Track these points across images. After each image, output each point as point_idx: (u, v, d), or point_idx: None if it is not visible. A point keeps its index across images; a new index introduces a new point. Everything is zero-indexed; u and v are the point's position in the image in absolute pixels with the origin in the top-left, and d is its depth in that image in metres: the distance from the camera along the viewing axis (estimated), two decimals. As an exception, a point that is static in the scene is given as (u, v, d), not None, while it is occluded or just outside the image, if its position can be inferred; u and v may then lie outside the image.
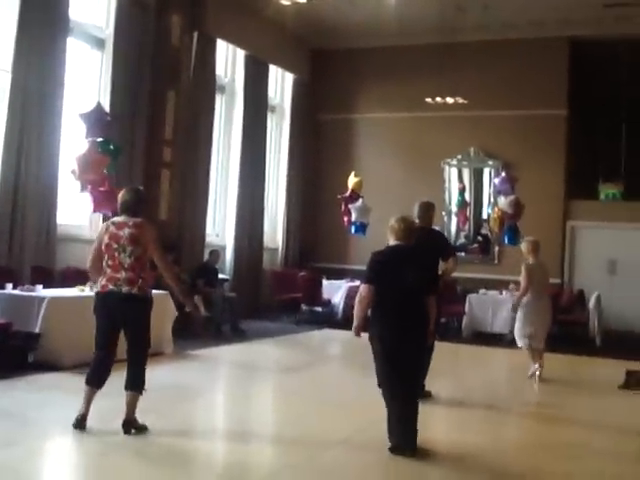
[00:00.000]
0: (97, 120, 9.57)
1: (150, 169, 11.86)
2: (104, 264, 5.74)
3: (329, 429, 6.31)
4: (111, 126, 9.94)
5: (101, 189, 9.33)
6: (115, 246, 5.69)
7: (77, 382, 6.28)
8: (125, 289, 5.63)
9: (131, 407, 5.70)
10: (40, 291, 8.44)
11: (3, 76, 9.69)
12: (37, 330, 8.01)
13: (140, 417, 5.74)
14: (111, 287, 5.66)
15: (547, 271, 9.27)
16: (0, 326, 7.97)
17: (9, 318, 8.05)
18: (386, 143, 16.00)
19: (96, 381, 5.73)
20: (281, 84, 16.37)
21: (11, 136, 9.54)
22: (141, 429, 5.73)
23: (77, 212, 10.86)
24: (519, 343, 9.13)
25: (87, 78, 11.34)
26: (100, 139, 9.46)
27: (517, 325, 9.15)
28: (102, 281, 5.74)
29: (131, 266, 5.65)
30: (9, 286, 8.45)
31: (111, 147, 9.59)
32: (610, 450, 6.11)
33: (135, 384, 5.72)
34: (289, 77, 16.30)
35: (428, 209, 7.70)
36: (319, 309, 14.02)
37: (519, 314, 9.06)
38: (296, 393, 7.96)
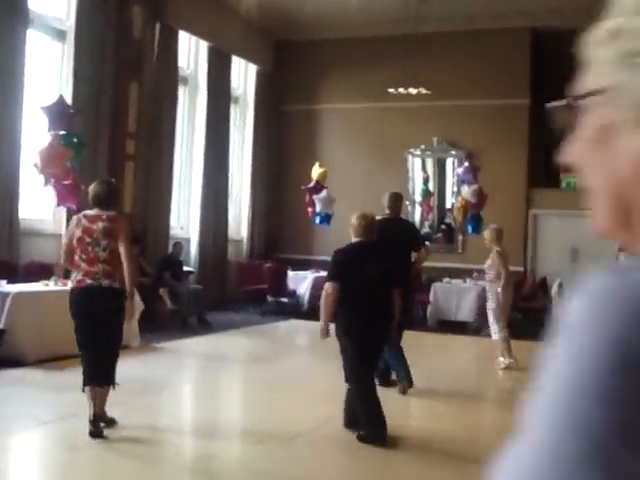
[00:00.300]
0: (59, 113, 9.49)
1: (114, 162, 11.78)
2: (77, 258, 5.65)
3: (297, 419, 6.36)
4: (74, 119, 9.87)
5: (65, 183, 9.26)
6: (88, 240, 5.61)
7: (42, 377, 6.28)
8: (105, 282, 5.55)
9: (102, 401, 5.65)
10: (4, 286, 8.37)
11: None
12: (1, 326, 7.95)
13: (107, 410, 5.74)
14: (89, 281, 5.56)
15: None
16: (-37, 322, 7.89)
17: (-28, 314, 7.98)
18: (350, 134, 16.05)
19: (94, 379, 5.59)
20: (244, 75, 16.33)
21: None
22: (110, 422, 5.72)
23: (40, 206, 10.75)
24: (499, 335, 9.03)
25: (49, 70, 11.22)
26: (63, 132, 9.38)
27: (495, 316, 9.00)
28: (78, 276, 5.63)
29: (107, 260, 5.58)
30: (-28, 282, 8.38)
31: (74, 140, 9.52)
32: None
33: (109, 378, 5.66)
34: (252, 68, 16.27)
35: (397, 199, 7.79)
36: (285, 300, 14.04)
37: (497, 304, 8.93)
38: (263, 384, 8.00)
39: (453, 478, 5.22)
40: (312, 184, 13.70)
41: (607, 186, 0.76)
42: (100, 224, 5.63)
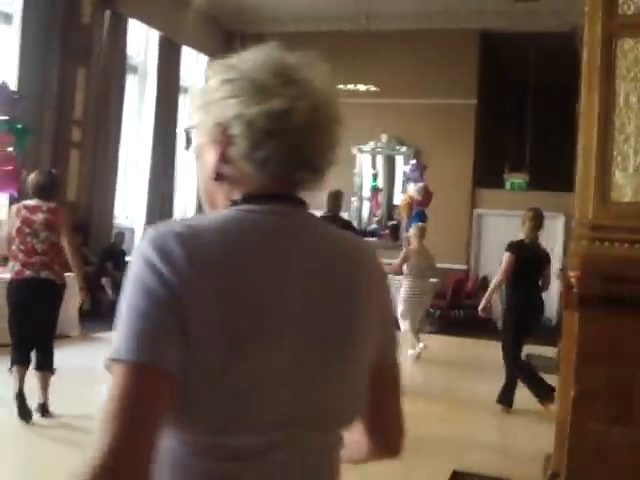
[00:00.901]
0: (3, 98, 9.33)
1: (59, 149, 11.62)
2: (15, 248, 5.57)
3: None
4: (18, 104, 9.70)
5: (6, 169, 9.11)
6: (27, 230, 5.54)
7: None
8: (44, 274, 5.51)
9: (45, 389, 5.67)
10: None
11: None
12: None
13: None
14: (28, 272, 5.51)
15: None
16: None
17: None
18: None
19: (24, 361, 5.66)
20: (195, 66, 16.22)
21: None
22: (46, 411, 5.73)
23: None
24: (407, 325, 9.41)
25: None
26: (6, 118, 9.23)
27: (405, 307, 9.48)
28: (16, 267, 5.57)
29: (45, 251, 5.53)
30: None
31: (18, 126, 9.37)
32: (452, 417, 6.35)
33: (48, 364, 5.68)
34: (203, 59, 16.17)
35: (337, 197, 7.82)
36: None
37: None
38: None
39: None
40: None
41: (203, 184, 1.28)
42: (40, 215, 5.57)
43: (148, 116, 14.26)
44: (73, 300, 9.21)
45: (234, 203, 1.20)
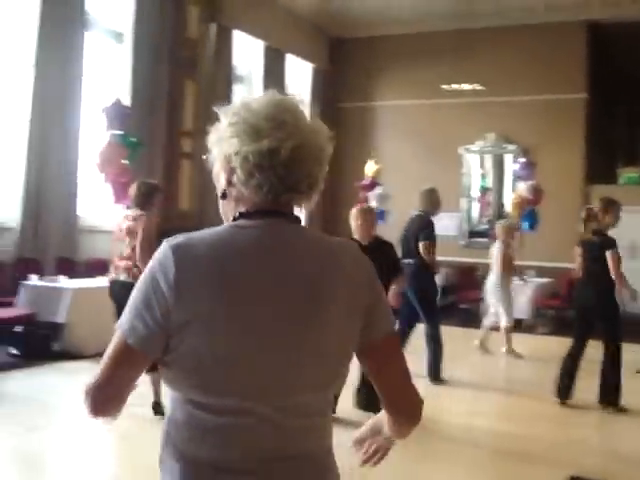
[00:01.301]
0: (117, 113, 9.70)
1: (170, 160, 11.99)
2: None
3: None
4: (131, 119, 10.06)
5: (122, 181, 9.45)
6: (120, 236, 6.18)
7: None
8: (122, 277, 6.08)
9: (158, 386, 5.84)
10: (64, 282, 8.60)
11: (28, 70, 9.83)
12: (61, 320, 8.17)
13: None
14: (112, 275, 6.18)
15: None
16: (25, 316, 8.16)
17: (34, 308, 8.23)
18: (405, 130, 15.99)
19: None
20: (300, 74, 16.41)
21: (34, 130, 9.69)
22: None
23: (99, 204, 10.99)
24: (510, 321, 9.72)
25: (107, 71, 11.45)
26: (120, 132, 9.59)
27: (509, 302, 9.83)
28: (111, 269, 6.28)
29: (128, 255, 6.07)
30: (34, 277, 8.62)
31: (131, 140, 9.72)
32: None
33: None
34: (308, 66, 16.34)
35: (429, 195, 7.97)
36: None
37: (508, 294, 9.80)
38: None
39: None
40: (367, 181, 13.73)
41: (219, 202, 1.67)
42: (126, 223, 6.14)
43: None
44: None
45: (234, 219, 1.59)
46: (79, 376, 7.32)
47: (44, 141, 9.78)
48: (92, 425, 5.89)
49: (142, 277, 1.52)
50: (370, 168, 13.75)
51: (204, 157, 1.70)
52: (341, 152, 16.44)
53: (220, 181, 1.63)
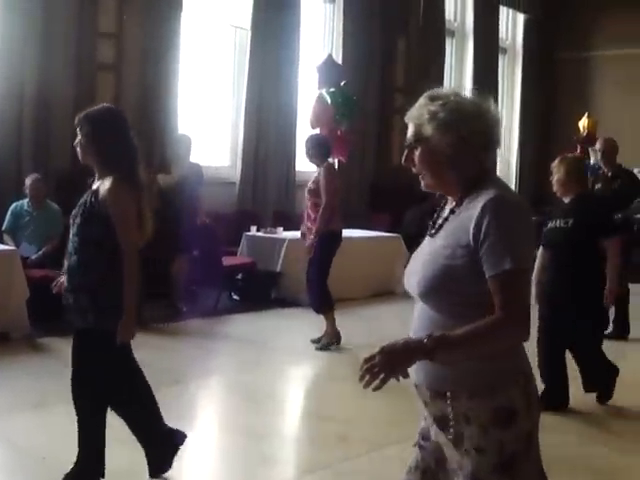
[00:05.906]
0: (329, 71, 10.00)
1: (382, 116, 12.17)
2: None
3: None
4: (343, 76, 10.32)
5: (335, 136, 9.73)
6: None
7: (313, 316, 6.83)
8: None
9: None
10: (281, 233, 9.05)
11: (244, 33, 10.36)
12: (278, 269, 8.64)
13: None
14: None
15: None
16: (246, 264, 8.73)
17: (254, 257, 8.77)
18: (627, 82, 15.08)
19: None
20: (512, 25, 15.99)
21: (252, 90, 10.21)
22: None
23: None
24: None
25: (320, 30, 11.75)
26: (332, 89, 9.86)
27: None
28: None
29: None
30: (254, 229, 9.16)
31: (344, 96, 9.96)
32: None
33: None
34: (520, 17, 15.88)
35: None
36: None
37: None
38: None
39: None
40: (584, 134, 13.21)
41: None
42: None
43: (467, 79, 14.35)
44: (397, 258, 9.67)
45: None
46: (294, 321, 7.80)
47: (262, 101, 10.29)
48: (304, 363, 6.29)
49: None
50: (584, 122, 13.20)
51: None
52: (556, 105, 15.89)
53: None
